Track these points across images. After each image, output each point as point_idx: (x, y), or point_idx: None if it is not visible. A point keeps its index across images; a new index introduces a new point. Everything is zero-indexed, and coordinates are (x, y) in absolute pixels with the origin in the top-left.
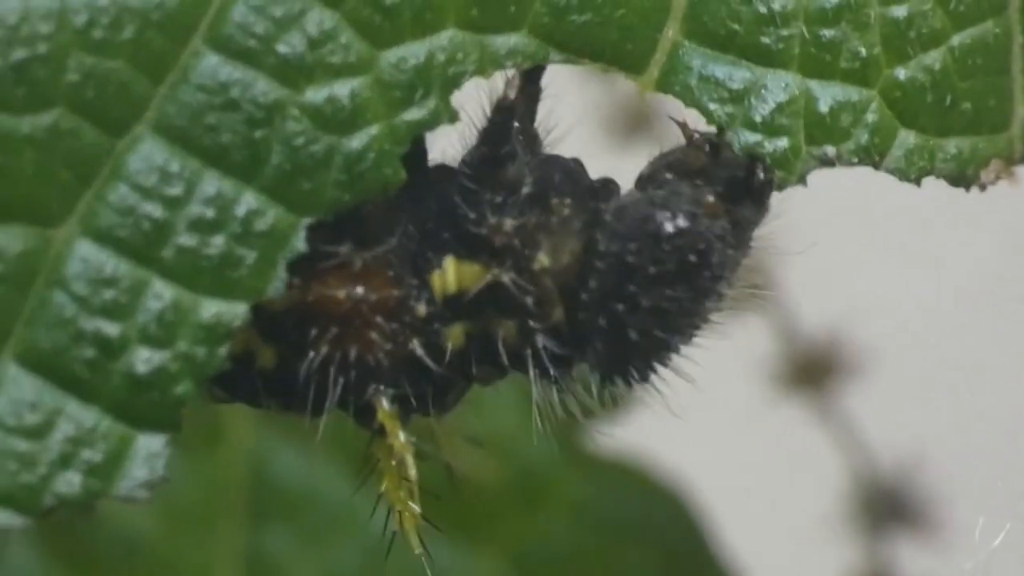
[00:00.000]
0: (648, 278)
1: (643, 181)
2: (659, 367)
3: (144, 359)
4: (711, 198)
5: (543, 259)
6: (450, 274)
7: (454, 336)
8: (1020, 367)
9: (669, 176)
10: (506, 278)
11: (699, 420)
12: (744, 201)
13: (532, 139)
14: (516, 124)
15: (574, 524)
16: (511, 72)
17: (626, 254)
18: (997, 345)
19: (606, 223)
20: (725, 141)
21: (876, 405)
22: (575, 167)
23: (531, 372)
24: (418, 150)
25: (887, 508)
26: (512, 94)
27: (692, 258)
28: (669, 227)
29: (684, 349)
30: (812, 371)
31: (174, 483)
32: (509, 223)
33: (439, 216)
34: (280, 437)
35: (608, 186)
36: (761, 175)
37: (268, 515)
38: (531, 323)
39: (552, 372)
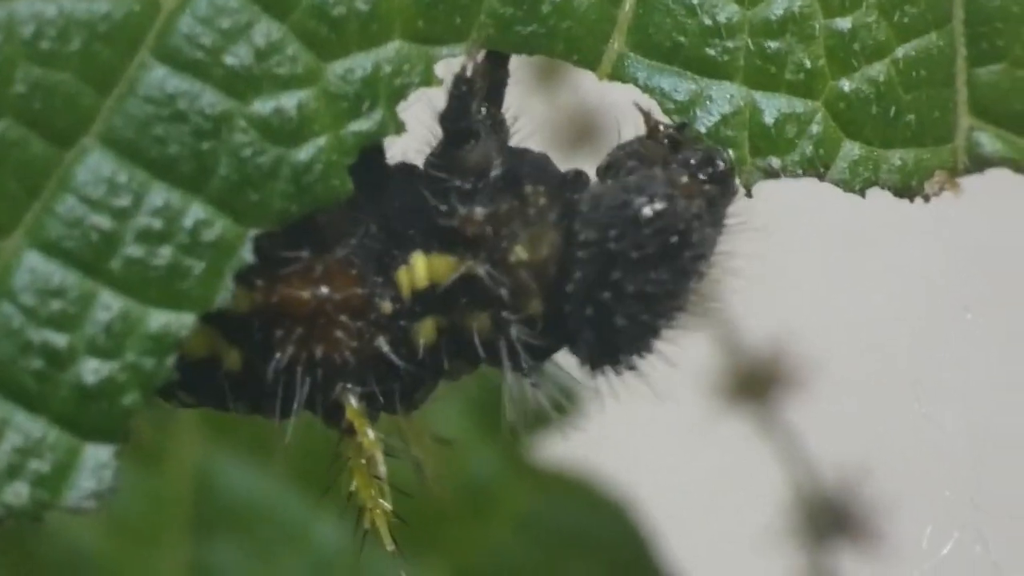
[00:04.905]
0: (632, 263)
1: (605, 171)
2: (645, 353)
3: (92, 370)
4: (686, 179)
5: (520, 252)
6: (419, 268)
7: (425, 331)
8: (962, 377)
9: (633, 164)
10: (481, 270)
11: (643, 432)
12: (712, 182)
13: (500, 124)
14: (480, 105)
15: (519, 536)
16: (470, 52)
17: (608, 241)
18: (939, 355)
19: (582, 213)
20: (686, 133)
21: (819, 417)
22: (544, 159)
23: (504, 364)
24: (375, 150)
25: (830, 519)
26: (470, 69)
27: (673, 239)
28: (649, 210)
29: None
30: (755, 384)
31: (120, 496)
32: (480, 212)
33: (404, 213)
34: (227, 451)
35: (579, 177)
36: (722, 160)
37: (214, 529)
38: (505, 314)
39: (525, 364)
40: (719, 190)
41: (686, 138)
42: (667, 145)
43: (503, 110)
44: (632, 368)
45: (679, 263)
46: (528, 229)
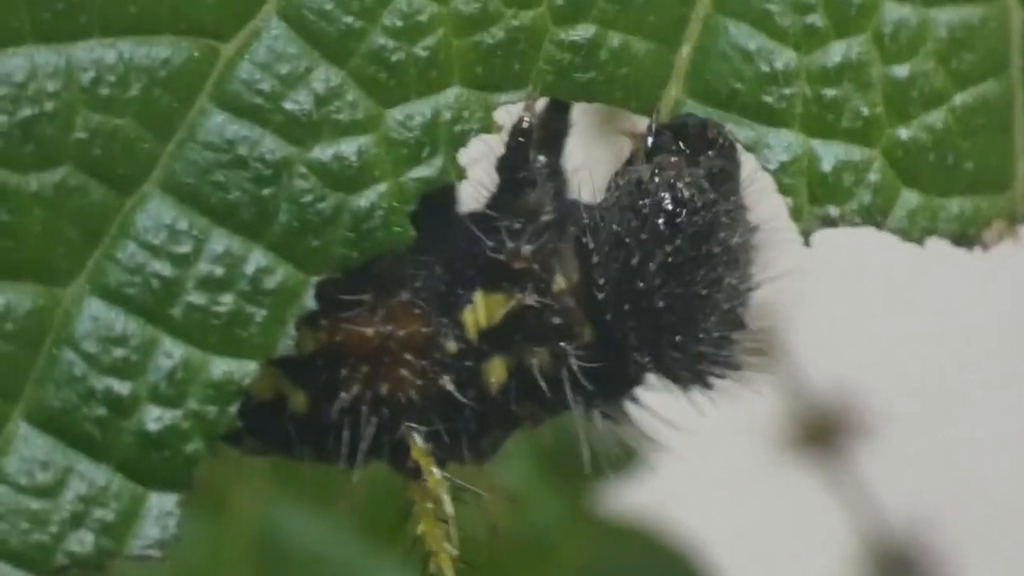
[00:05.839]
0: (644, 244)
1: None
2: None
3: (155, 417)
4: (671, 157)
5: (560, 281)
6: (480, 308)
7: (495, 371)
8: None
9: (626, 172)
10: (529, 301)
11: (708, 481)
12: (709, 153)
13: (557, 173)
14: (539, 155)
15: None
16: (529, 100)
17: (614, 232)
18: (1008, 403)
19: (584, 223)
20: (658, 123)
21: (886, 466)
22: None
23: (570, 397)
24: (443, 194)
25: (897, 569)
26: (528, 119)
27: (670, 206)
28: (638, 191)
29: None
30: (822, 432)
31: (184, 544)
32: (527, 248)
33: (467, 254)
34: (291, 499)
35: None
36: (704, 126)
37: None
38: (562, 345)
39: (592, 393)
40: (717, 158)
41: (662, 127)
42: (648, 138)
43: (563, 158)
44: (704, 364)
45: (690, 230)
46: (567, 264)
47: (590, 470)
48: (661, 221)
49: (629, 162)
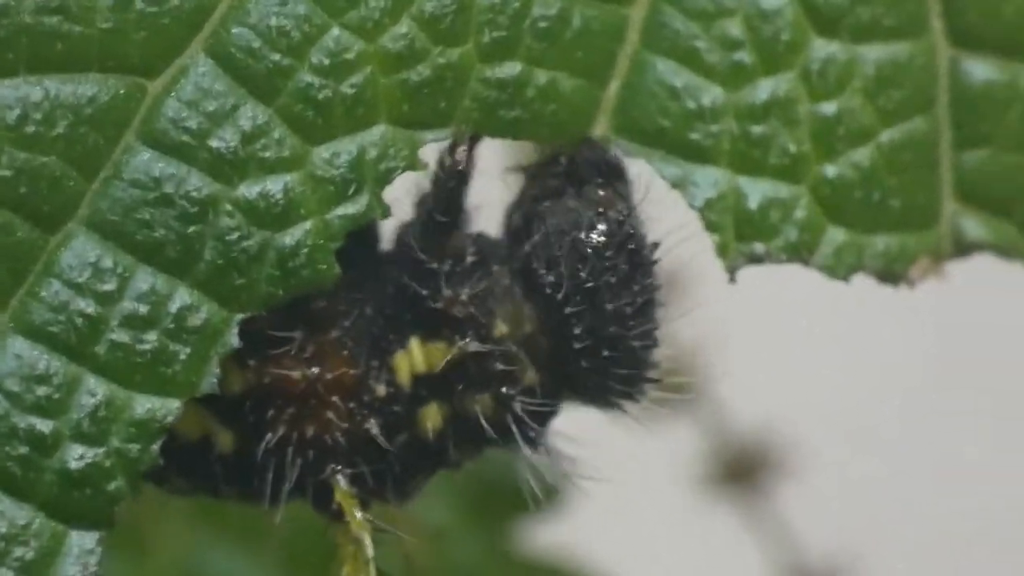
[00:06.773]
0: (616, 287)
1: (521, 228)
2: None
3: (77, 456)
4: (600, 191)
5: (502, 326)
6: (416, 354)
7: (431, 417)
8: (950, 461)
9: (543, 207)
10: (472, 348)
11: (629, 518)
12: (611, 178)
13: (465, 212)
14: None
15: None
16: (458, 139)
17: (586, 283)
18: (927, 440)
19: (543, 275)
20: (548, 157)
21: (806, 503)
22: (499, 242)
23: (518, 438)
24: (368, 233)
25: None
26: (463, 160)
27: (631, 245)
28: (598, 237)
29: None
30: (742, 469)
31: None
32: (464, 292)
33: (397, 297)
34: (214, 538)
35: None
36: (602, 152)
37: None
38: (505, 390)
39: (535, 435)
40: (620, 182)
41: (561, 155)
42: (554, 173)
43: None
44: (648, 376)
45: (643, 260)
46: (503, 306)
47: (529, 507)
48: (628, 262)
49: (534, 196)
